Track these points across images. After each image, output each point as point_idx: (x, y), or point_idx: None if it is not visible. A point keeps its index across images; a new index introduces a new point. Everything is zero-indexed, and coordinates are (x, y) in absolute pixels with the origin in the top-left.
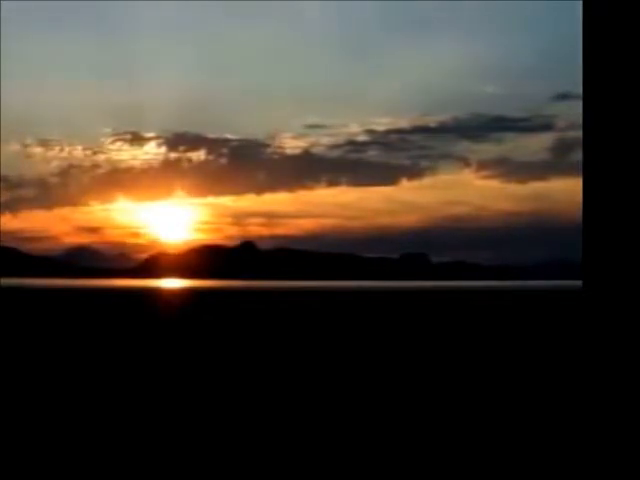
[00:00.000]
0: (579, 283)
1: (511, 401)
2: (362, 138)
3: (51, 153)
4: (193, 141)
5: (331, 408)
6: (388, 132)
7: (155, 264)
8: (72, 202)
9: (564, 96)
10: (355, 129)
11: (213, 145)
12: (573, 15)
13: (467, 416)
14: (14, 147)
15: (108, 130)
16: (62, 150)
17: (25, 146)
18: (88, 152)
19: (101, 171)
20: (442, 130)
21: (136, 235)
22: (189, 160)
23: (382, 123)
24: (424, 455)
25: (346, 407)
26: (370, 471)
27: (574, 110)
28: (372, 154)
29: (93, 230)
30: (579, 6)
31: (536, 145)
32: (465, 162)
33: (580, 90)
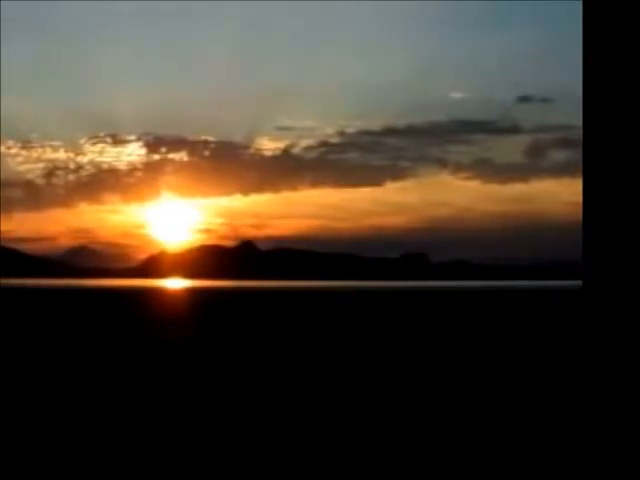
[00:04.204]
0: (577, 283)
1: (511, 401)
2: (335, 140)
3: (34, 155)
4: (173, 143)
5: (331, 409)
6: (360, 134)
7: (155, 264)
8: (63, 204)
9: (525, 99)
10: (327, 131)
11: (194, 147)
12: (533, 19)
13: (467, 416)
14: None
15: (85, 133)
16: (44, 152)
17: (8, 148)
18: (71, 154)
19: (87, 173)
20: (413, 132)
21: (132, 236)
22: (172, 161)
23: (353, 125)
24: (424, 455)
25: (346, 408)
26: (370, 471)
27: (537, 112)
28: (350, 156)
29: (88, 231)
30: (543, 10)
31: (507, 147)
32: (442, 164)
33: (540, 93)
